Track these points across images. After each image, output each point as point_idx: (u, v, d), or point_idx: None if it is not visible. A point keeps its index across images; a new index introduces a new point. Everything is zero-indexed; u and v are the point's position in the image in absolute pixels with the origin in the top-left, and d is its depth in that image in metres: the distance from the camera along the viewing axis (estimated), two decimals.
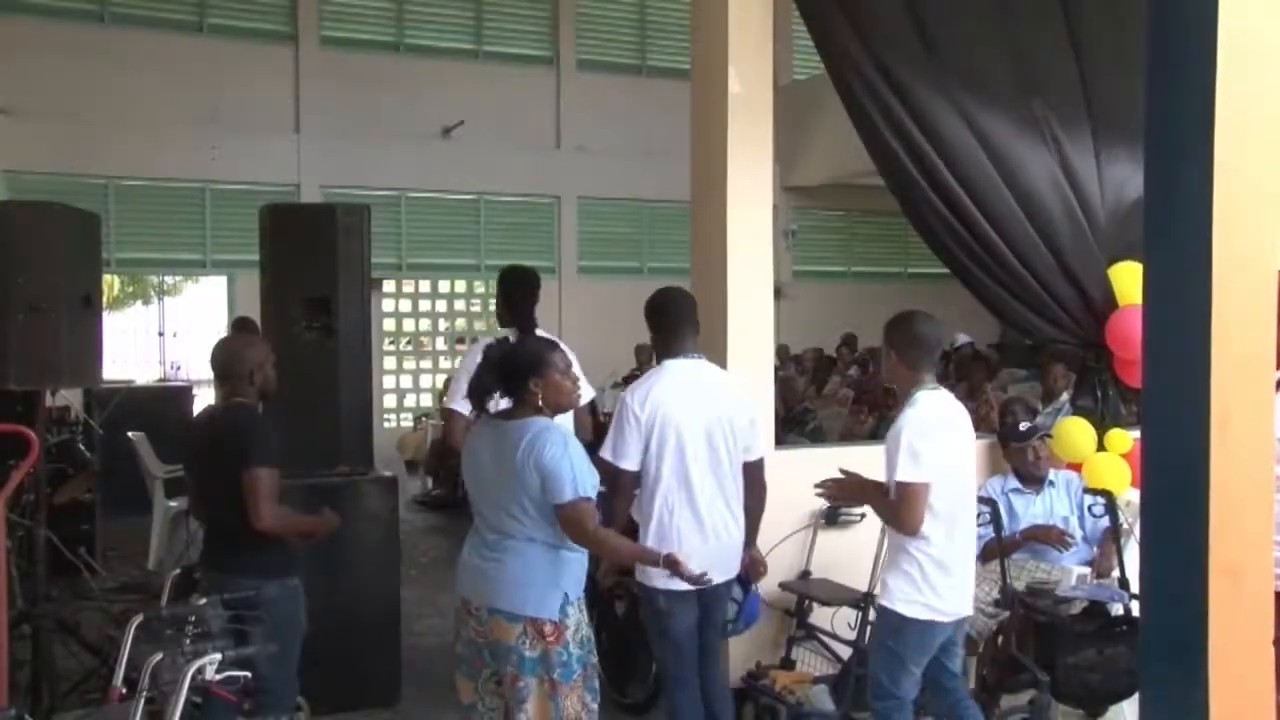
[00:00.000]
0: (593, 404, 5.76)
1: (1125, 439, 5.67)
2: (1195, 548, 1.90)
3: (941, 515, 4.02)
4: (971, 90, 5.36)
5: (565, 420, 4.48)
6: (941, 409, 4.13)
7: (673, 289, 4.70)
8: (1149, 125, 2.01)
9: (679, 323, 4.52)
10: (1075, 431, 5.74)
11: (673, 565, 3.79)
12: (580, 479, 3.72)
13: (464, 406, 4.64)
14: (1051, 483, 5.55)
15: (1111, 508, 5.22)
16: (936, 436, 3.99)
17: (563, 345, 4.19)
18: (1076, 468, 5.71)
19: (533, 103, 15.01)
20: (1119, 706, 4.77)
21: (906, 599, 4.03)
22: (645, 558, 4.17)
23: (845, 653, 5.07)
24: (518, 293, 5.41)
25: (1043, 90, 5.54)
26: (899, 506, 4.00)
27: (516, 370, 3.87)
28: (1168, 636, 2.01)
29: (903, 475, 3.95)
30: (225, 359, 4.31)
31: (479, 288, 15.24)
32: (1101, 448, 5.70)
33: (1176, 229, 1.93)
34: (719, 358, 5.32)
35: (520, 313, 5.37)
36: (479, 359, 4.07)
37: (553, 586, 3.75)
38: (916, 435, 3.95)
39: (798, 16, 5.64)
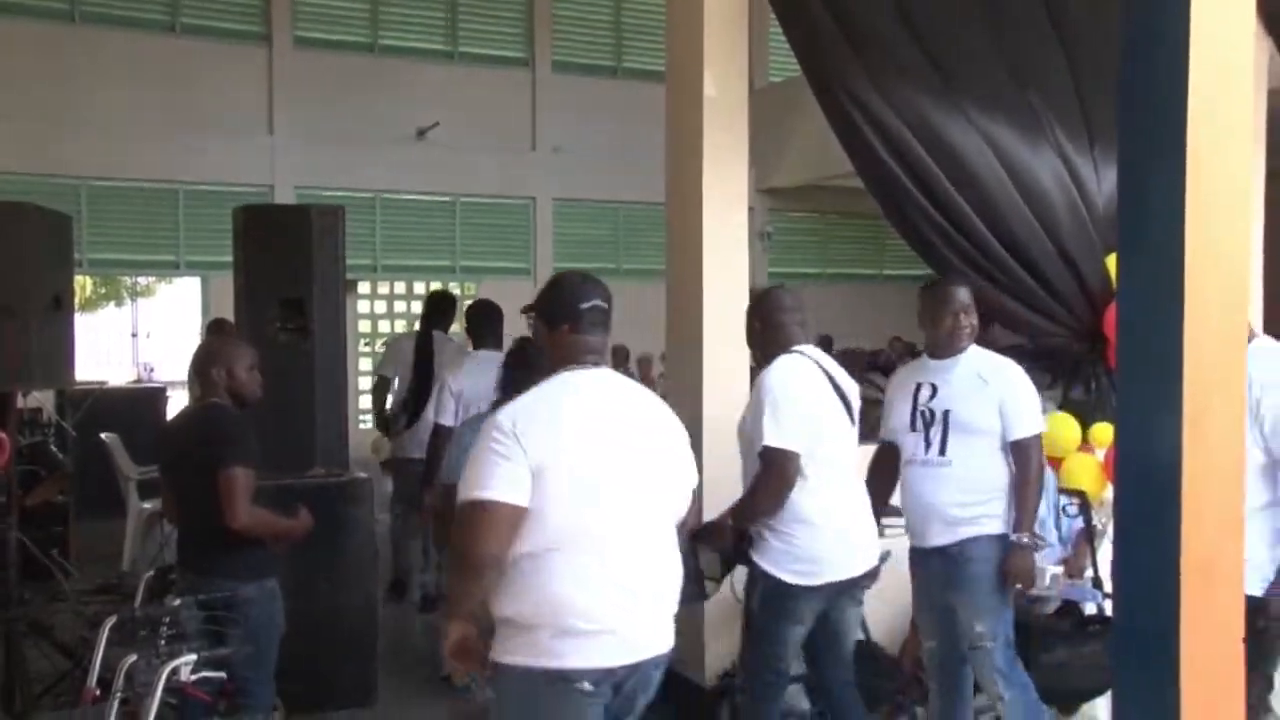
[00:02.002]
0: None
1: (1109, 433, 5.70)
2: (1168, 544, 1.92)
3: None
4: (970, 89, 5.28)
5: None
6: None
7: (482, 300, 6.46)
8: (1122, 122, 2.03)
9: (486, 322, 6.12)
10: (1059, 426, 5.77)
11: None
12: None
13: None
14: None
15: (1085, 508, 5.24)
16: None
17: None
18: (1057, 463, 5.73)
19: (508, 104, 14.96)
20: (1093, 703, 4.82)
21: None
22: None
23: None
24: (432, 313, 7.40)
25: (1035, 83, 5.49)
26: None
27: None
28: (1140, 633, 2.03)
29: None
30: (199, 360, 4.32)
31: (454, 289, 15.19)
32: (1086, 441, 5.73)
33: (1149, 225, 1.95)
34: (694, 360, 5.33)
35: (424, 327, 7.28)
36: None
37: None
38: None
39: (774, 19, 5.64)
